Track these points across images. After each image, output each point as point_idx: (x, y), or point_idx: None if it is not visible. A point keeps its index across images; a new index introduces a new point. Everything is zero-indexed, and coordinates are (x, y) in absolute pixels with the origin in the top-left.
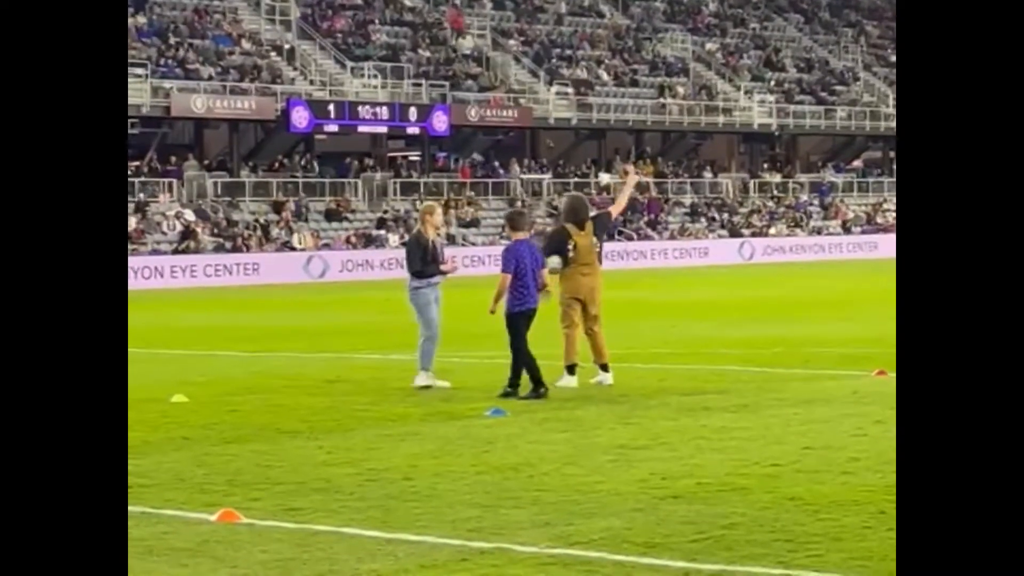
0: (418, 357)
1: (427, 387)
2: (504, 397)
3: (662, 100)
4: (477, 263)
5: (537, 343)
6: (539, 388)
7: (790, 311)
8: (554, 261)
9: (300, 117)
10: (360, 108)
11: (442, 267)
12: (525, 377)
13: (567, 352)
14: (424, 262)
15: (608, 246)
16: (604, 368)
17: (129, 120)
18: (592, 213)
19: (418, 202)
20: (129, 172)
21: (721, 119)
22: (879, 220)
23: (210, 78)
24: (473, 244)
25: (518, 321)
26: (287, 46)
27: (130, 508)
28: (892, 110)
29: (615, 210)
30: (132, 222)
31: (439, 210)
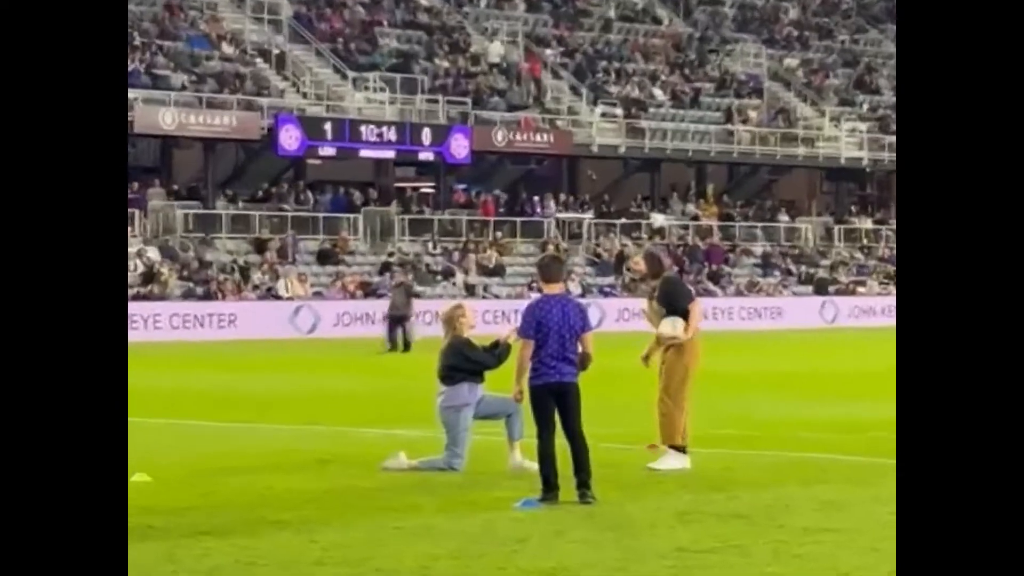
0: (420, 461)
1: (395, 468)
2: (541, 503)
3: (730, 126)
4: (501, 319)
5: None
6: (548, 492)
7: (885, 387)
8: (674, 326)
9: (290, 137)
10: (363, 128)
11: (503, 340)
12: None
13: (675, 431)
14: (487, 351)
15: None
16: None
17: None
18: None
19: (430, 244)
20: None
21: (801, 151)
22: None
23: (182, 88)
24: (496, 297)
25: (536, 398)
26: (276, 51)
27: None
28: None
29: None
30: None
31: (468, 308)
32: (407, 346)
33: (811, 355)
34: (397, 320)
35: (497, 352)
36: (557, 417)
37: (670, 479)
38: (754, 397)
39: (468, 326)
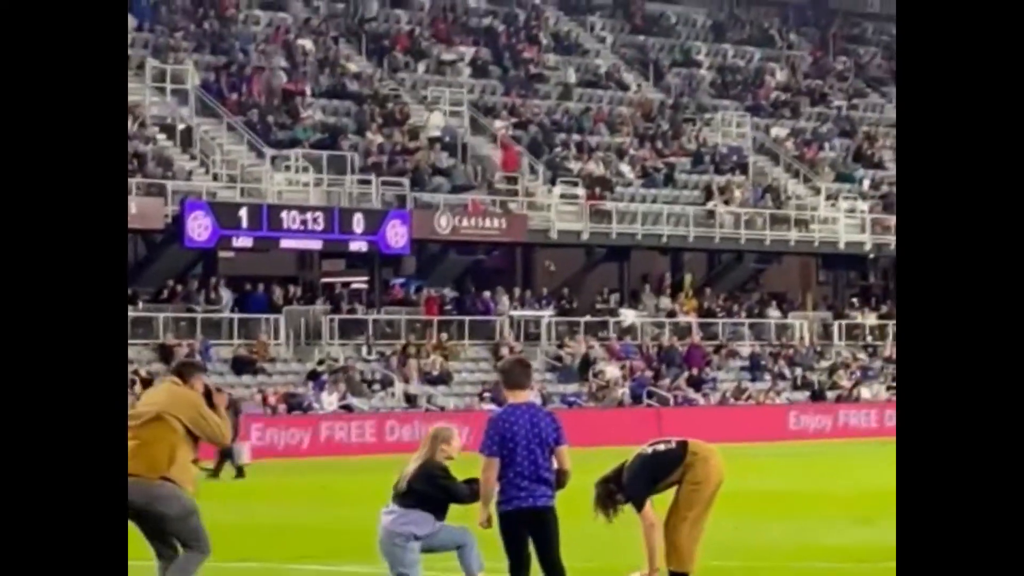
0: None
1: None
2: None
3: (710, 206)
4: None
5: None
6: None
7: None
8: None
9: (199, 226)
10: (284, 214)
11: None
12: None
13: (689, 558)
14: (466, 483)
15: (635, 416)
16: None
17: None
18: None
19: (364, 348)
20: None
21: (793, 235)
22: None
23: None
24: (442, 409)
25: (507, 527)
26: (181, 126)
27: None
28: None
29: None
30: None
31: (457, 436)
32: (239, 471)
33: (815, 472)
34: None
35: (475, 488)
36: (531, 548)
37: None
38: (751, 521)
39: (446, 456)
